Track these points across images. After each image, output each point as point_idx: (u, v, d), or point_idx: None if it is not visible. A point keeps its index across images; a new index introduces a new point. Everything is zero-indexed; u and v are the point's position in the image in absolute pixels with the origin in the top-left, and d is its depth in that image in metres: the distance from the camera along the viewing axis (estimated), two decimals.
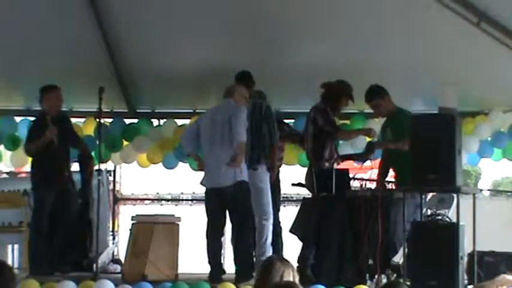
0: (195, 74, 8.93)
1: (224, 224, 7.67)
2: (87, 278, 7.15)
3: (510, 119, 9.43)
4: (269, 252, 7.66)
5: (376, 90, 7.73)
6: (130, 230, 8.04)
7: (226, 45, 8.69)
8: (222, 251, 7.81)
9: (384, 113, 7.85)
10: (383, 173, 7.91)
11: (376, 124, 9.25)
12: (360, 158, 8.11)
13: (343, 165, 8.18)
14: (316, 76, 8.17)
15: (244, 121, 7.53)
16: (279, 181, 8.43)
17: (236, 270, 7.49)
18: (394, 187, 7.58)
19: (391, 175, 8.02)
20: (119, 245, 9.84)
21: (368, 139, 8.56)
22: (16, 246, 8.63)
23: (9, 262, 8.45)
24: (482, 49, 8.16)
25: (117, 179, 10.25)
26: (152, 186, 16.88)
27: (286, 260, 4.44)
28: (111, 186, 9.78)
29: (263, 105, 7.95)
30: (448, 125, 6.64)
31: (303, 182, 7.97)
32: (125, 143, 9.65)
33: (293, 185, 8.06)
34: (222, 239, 7.75)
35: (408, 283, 6.66)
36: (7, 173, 10.37)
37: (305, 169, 8.37)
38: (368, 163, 7.94)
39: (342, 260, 7.15)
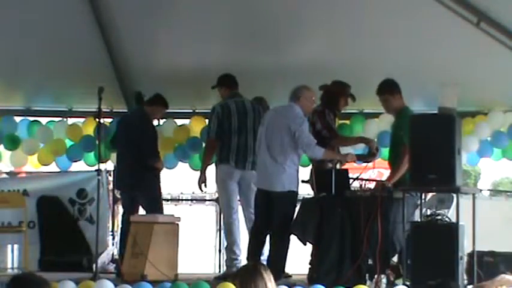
0: (195, 74, 8.93)
1: (269, 224, 7.59)
2: (86, 278, 7.15)
3: (510, 119, 9.42)
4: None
5: (388, 85, 7.50)
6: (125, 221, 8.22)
7: (226, 45, 8.69)
8: (263, 251, 7.68)
9: (390, 109, 7.61)
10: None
11: (376, 124, 9.27)
12: (363, 159, 8.07)
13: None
14: (315, 76, 8.16)
15: (310, 137, 7.35)
16: None
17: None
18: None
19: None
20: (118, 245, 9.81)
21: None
22: (16, 246, 8.62)
23: (9, 262, 8.46)
24: (482, 49, 8.16)
25: None
26: None
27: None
28: (110, 186, 9.77)
29: (261, 110, 8.01)
30: (448, 125, 6.63)
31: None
32: None
33: (303, 181, 8.01)
34: (266, 238, 7.62)
35: (408, 283, 6.68)
36: (7, 173, 10.36)
37: (304, 169, 8.36)
38: (369, 164, 7.90)
39: (341, 260, 7.14)
